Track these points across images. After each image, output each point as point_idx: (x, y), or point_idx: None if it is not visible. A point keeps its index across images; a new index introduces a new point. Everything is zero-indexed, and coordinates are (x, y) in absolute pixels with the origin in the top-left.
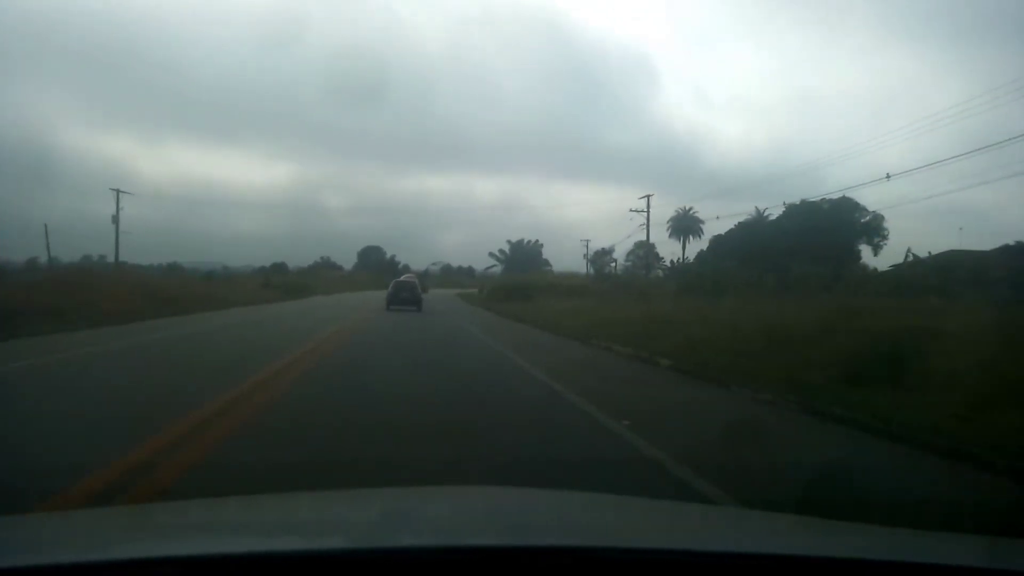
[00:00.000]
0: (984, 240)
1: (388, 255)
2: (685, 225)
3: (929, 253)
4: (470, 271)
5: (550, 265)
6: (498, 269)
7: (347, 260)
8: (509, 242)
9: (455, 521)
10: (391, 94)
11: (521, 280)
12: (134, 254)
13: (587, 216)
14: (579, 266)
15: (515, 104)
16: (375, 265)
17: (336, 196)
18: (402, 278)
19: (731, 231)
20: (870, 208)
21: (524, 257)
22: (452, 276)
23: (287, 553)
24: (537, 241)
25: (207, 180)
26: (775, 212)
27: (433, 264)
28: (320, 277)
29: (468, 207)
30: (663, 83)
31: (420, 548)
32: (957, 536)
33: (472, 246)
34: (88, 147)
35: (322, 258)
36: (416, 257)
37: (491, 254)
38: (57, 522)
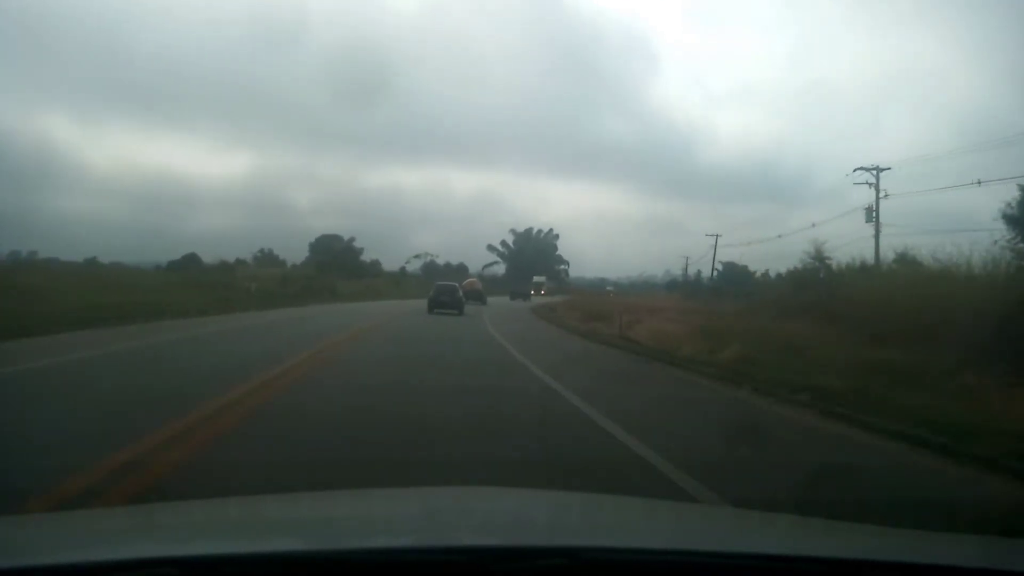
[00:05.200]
0: None
1: (348, 243)
2: None
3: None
4: (461, 268)
5: (566, 264)
6: (501, 267)
7: (298, 254)
8: (514, 232)
9: (456, 521)
10: (375, 81)
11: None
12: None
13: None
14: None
15: (503, 89)
16: (341, 262)
17: (300, 188)
18: (443, 283)
19: None
20: None
21: (533, 252)
22: (439, 274)
23: (287, 553)
24: (551, 231)
25: (157, 168)
26: None
27: (416, 257)
28: (239, 276)
29: (449, 199)
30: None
31: (420, 548)
32: (957, 536)
33: (461, 240)
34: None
35: (262, 250)
36: (390, 255)
37: (490, 247)
38: (57, 522)
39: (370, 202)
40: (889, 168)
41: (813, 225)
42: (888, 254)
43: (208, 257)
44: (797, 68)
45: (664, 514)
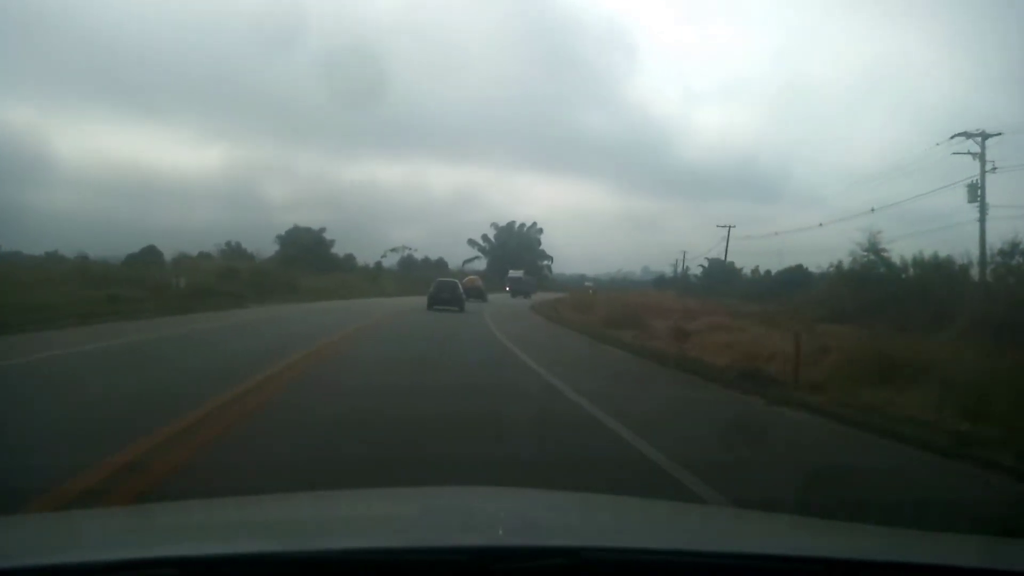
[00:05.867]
0: None
1: (318, 235)
2: None
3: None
4: (441, 264)
5: (550, 259)
6: (482, 262)
7: (270, 248)
8: (495, 226)
9: (456, 521)
10: (339, 65)
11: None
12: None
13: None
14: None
15: (482, 81)
16: (311, 256)
17: (275, 181)
18: (443, 279)
19: None
20: None
21: (517, 246)
22: (418, 269)
23: (287, 553)
24: (535, 225)
25: (129, 160)
26: None
27: (392, 250)
28: (172, 269)
29: (427, 193)
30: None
31: (420, 548)
32: (957, 536)
33: (440, 235)
34: None
35: (229, 243)
36: (367, 250)
37: (471, 241)
38: (57, 522)
39: (347, 196)
40: (999, 134)
41: (876, 208)
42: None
43: (172, 251)
44: (781, 64)
45: (664, 514)
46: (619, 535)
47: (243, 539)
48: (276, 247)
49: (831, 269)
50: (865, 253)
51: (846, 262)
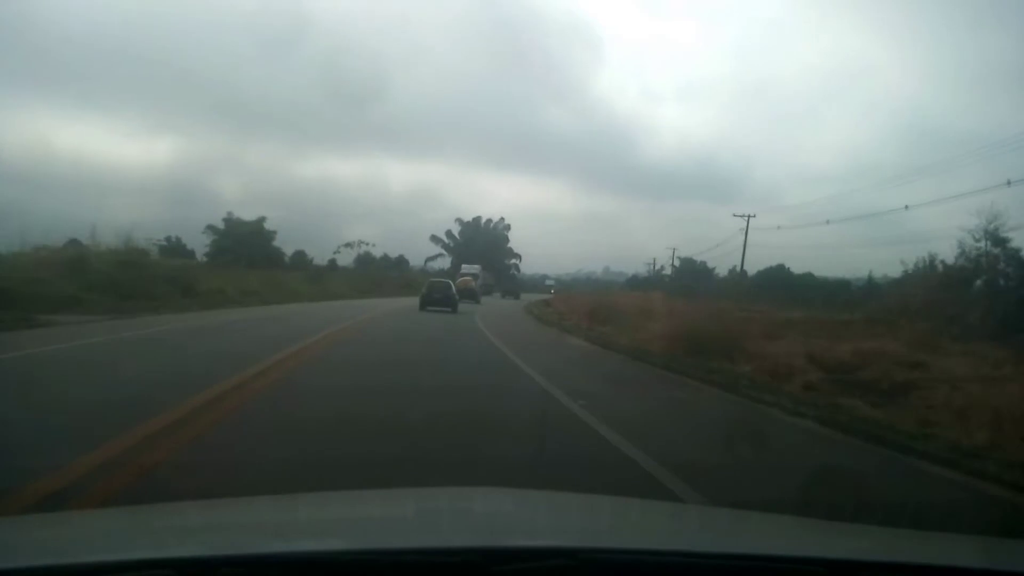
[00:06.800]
0: None
1: (254, 226)
2: None
3: None
4: (402, 261)
5: (518, 257)
6: (446, 260)
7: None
8: (460, 222)
9: (454, 522)
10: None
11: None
12: None
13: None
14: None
15: (442, 75)
16: (245, 250)
17: (226, 176)
18: (436, 279)
19: None
20: None
21: (484, 243)
22: (376, 267)
23: (285, 554)
24: (503, 221)
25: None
26: None
27: (346, 246)
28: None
29: (386, 190)
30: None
31: (418, 549)
32: (956, 536)
33: (400, 232)
34: None
35: (168, 239)
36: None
37: (434, 238)
38: (57, 523)
39: (301, 192)
40: None
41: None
42: None
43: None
44: (746, 62)
45: (664, 514)
46: (618, 536)
47: (240, 540)
48: (207, 240)
49: (918, 265)
50: (979, 244)
51: (947, 255)
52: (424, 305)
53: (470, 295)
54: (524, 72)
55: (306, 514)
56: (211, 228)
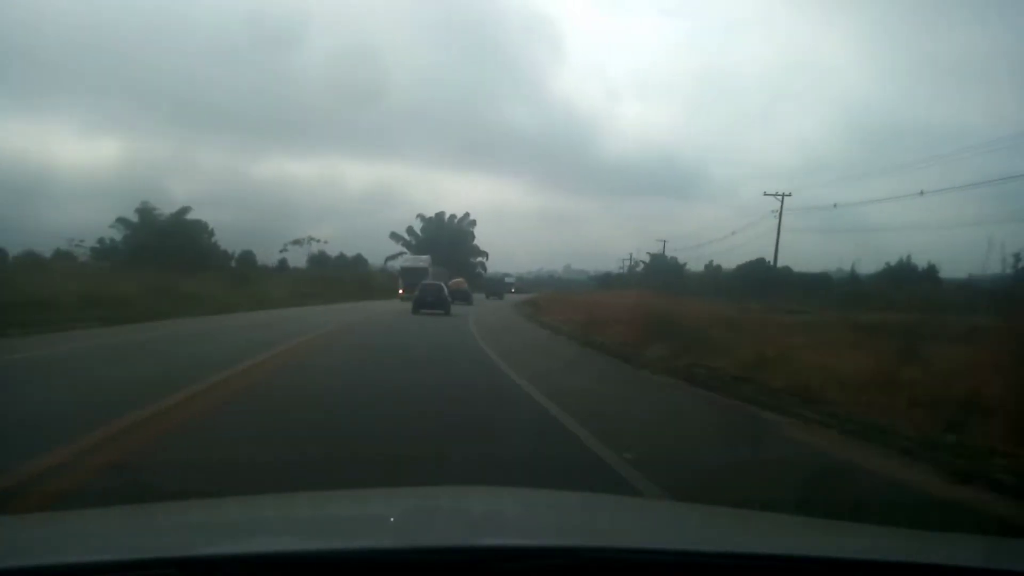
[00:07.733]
0: None
1: (175, 217)
2: None
3: None
4: (360, 260)
5: (485, 255)
6: (408, 257)
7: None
8: (422, 218)
9: (455, 521)
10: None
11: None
12: None
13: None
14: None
15: (396, 70)
16: (177, 251)
17: (174, 177)
18: (429, 282)
19: None
20: None
21: (448, 240)
22: (331, 266)
23: (286, 553)
24: (467, 216)
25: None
26: None
27: (295, 243)
28: None
29: (341, 189)
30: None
31: (419, 548)
32: (956, 536)
33: (357, 231)
34: None
35: (102, 240)
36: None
37: (394, 235)
38: (57, 522)
39: (254, 193)
40: None
41: None
42: None
43: (46, 249)
44: (699, 57)
45: (664, 514)
46: (619, 535)
47: (243, 539)
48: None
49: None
50: None
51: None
52: (417, 308)
53: (463, 296)
54: (484, 68)
55: (307, 513)
56: (122, 222)
